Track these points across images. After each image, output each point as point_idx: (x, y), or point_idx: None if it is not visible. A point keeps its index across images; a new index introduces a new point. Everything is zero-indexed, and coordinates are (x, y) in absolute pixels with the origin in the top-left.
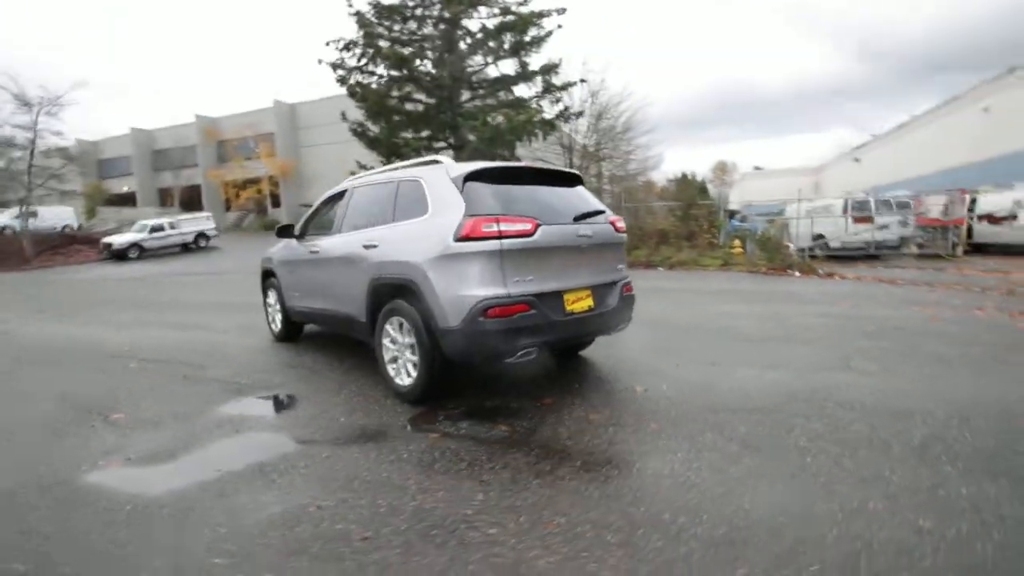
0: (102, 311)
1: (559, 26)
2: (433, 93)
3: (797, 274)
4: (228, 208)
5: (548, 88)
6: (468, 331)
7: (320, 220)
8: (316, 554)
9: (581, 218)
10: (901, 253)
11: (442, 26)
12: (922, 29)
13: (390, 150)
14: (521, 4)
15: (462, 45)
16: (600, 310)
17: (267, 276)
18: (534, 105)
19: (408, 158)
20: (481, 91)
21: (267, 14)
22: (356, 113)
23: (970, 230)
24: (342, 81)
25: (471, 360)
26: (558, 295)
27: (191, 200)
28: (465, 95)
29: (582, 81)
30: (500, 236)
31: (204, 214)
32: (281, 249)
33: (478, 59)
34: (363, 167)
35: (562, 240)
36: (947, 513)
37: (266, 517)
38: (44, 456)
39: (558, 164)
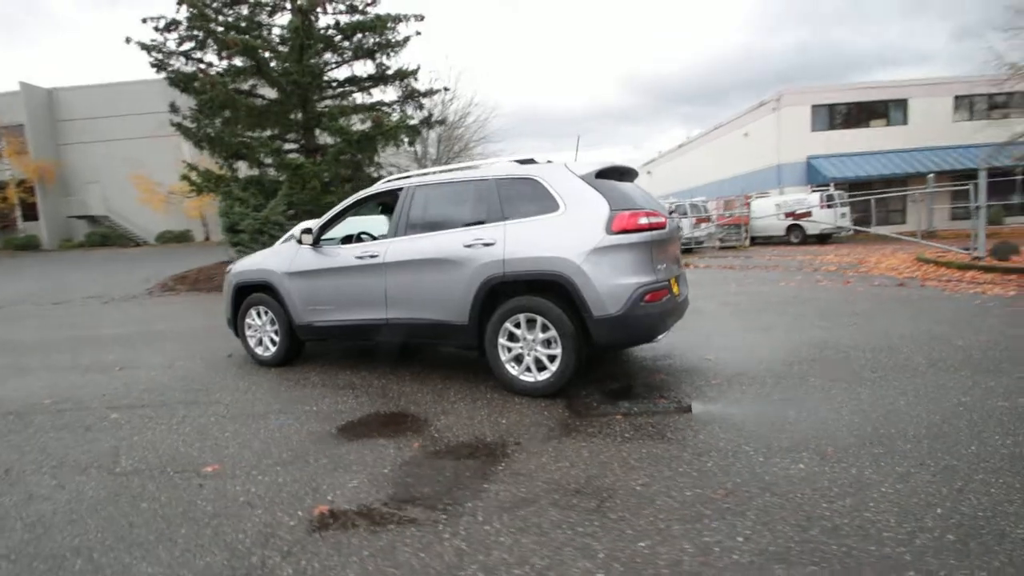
0: None
1: (418, 33)
2: (284, 90)
3: None
4: None
5: (411, 94)
6: (629, 316)
7: (351, 223)
8: (717, 512)
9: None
10: (706, 246)
11: (289, 17)
12: (676, 69)
13: (230, 150)
14: (370, 4)
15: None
16: (682, 295)
17: (246, 293)
18: (399, 110)
19: (253, 159)
20: (333, 91)
21: None
22: (166, 101)
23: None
24: (159, 66)
25: (624, 344)
26: (669, 281)
27: None
28: (319, 94)
29: (445, 89)
30: (650, 228)
31: None
32: (284, 259)
33: (331, 57)
34: (194, 168)
35: (670, 232)
36: (998, 393)
37: (625, 504)
38: (205, 527)
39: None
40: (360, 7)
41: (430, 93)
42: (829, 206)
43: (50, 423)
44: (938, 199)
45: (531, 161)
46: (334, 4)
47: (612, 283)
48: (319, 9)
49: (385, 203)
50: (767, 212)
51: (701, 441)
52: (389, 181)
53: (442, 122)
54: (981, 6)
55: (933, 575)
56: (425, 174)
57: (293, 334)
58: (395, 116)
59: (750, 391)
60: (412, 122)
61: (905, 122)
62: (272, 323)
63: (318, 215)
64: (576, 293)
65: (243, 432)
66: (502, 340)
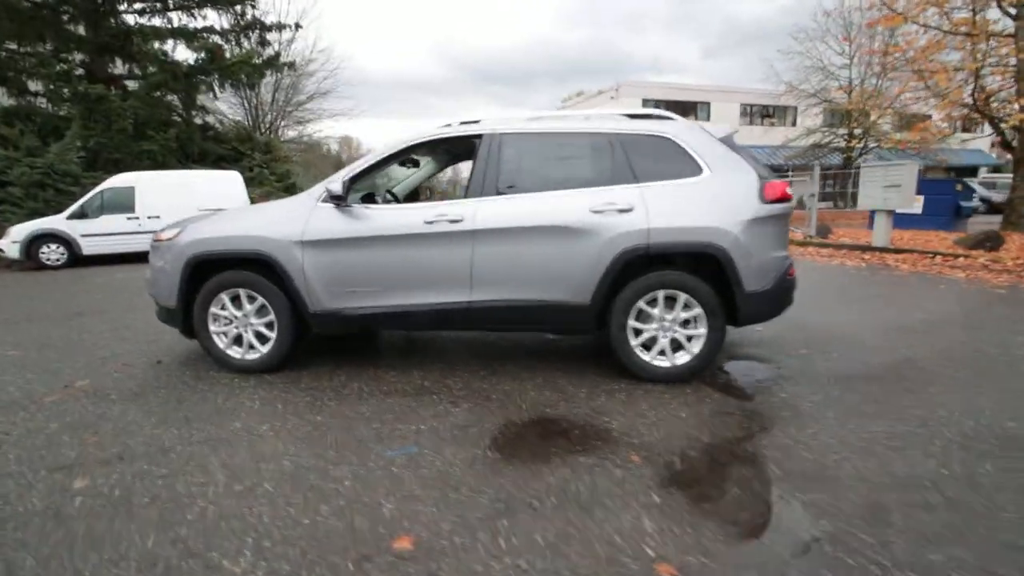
0: None
1: None
2: None
3: None
4: None
5: (252, 24)
6: (776, 290)
7: (395, 178)
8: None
9: None
10: None
11: None
12: (486, 48)
13: None
14: None
15: None
16: None
17: (212, 271)
18: (233, 43)
19: (16, 83)
20: (139, 4)
21: None
22: None
23: None
24: None
25: (762, 320)
26: None
27: None
28: (121, 6)
29: (297, 26)
30: (790, 198)
31: None
32: (291, 221)
33: None
34: None
35: None
36: (994, 342)
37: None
38: None
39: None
40: None
41: (279, 27)
42: None
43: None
44: None
45: (646, 116)
46: None
47: (767, 256)
48: None
49: (419, 155)
50: None
51: (906, 406)
52: (448, 125)
53: (291, 65)
54: (720, 32)
55: None
56: (504, 120)
57: (299, 326)
58: (233, 49)
59: (848, 356)
60: (257, 60)
61: (708, 121)
62: (260, 312)
63: (128, 167)
64: (731, 267)
65: (366, 475)
66: (631, 321)
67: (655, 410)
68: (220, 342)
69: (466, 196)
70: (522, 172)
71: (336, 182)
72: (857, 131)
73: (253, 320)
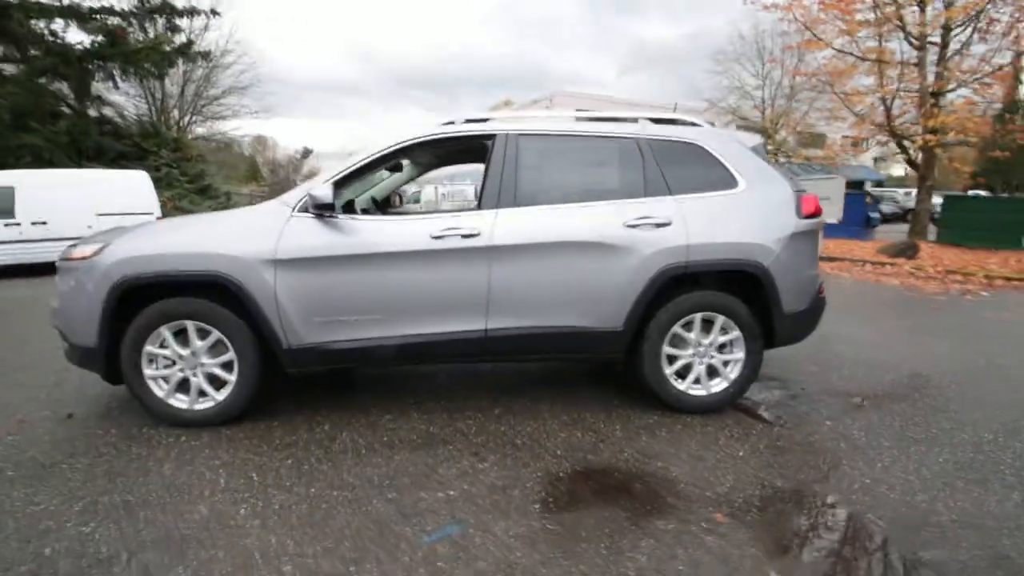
0: None
1: None
2: None
3: None
4: None
5: (160, 8)
6: (811, 310)
7: (395, 183)
8: None
9: None
10: None
11: None
12: (406, 51)
13: None
14: None
15: None
16: None
17: (147, 298)
18: (136, 26)
19: None
20: None
21: None
22: None
23: None
24: None
25: (792, 342)
26: None
27: None
28: None
29: (214, 13)
30: (822, 212)
31: None
32: (256, 236)
33: None
34: None
35: None
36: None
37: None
38: None
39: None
40: None
41: (191, 12)
42: None
43: None
44: None
45: (671, 121)
46: None
47: (804, 274)
48: None
49: (412, 156)
50: None
51: (948, 430)
52: (451, 123)
53: (206, 55)
54: (633, 55)
55: None
56: (519, 118)
57: (268, 365)
58: (137, 34)
59: (859, 374)
60: (167, 48)
61: None
62: (215, 350)
63: (3, 164)
64: (771, 286)
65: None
66: (666, 347)
67: (708, 449)
68: (159, 389)
69: (480, 206)
70: (544, 179)
71: (322, 187)
72: (770, 147)
73: (205, 360)
